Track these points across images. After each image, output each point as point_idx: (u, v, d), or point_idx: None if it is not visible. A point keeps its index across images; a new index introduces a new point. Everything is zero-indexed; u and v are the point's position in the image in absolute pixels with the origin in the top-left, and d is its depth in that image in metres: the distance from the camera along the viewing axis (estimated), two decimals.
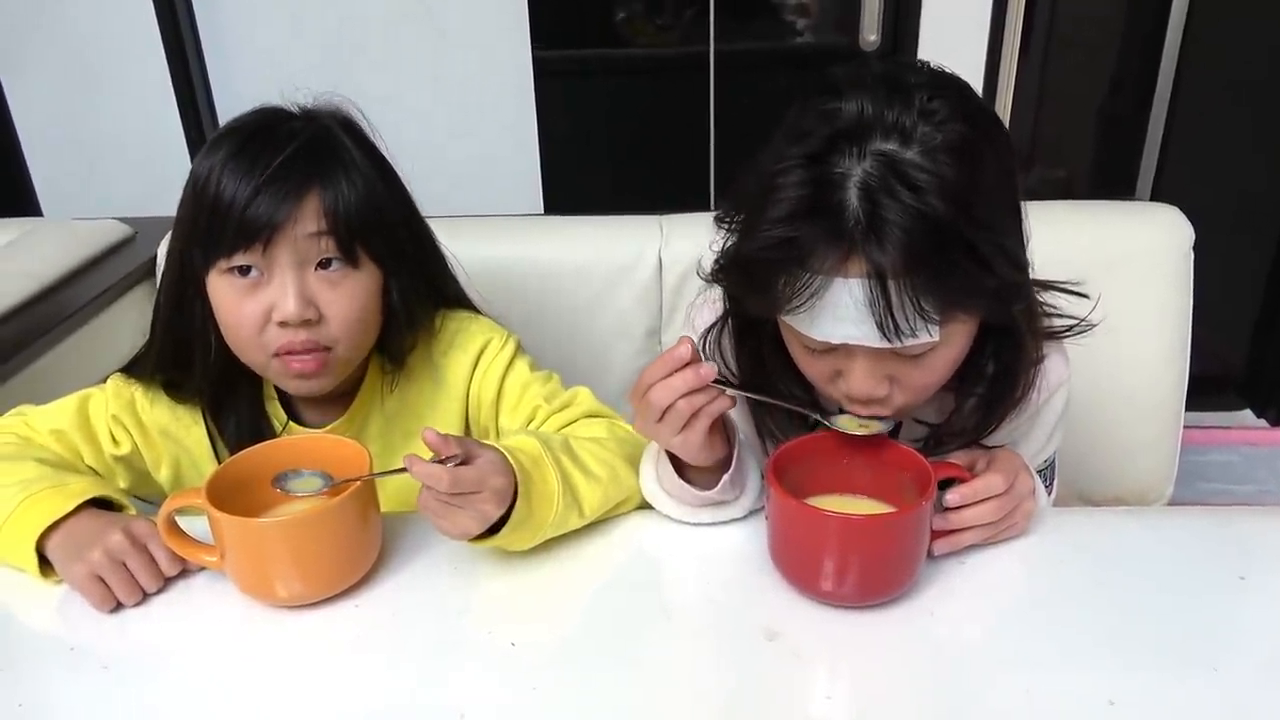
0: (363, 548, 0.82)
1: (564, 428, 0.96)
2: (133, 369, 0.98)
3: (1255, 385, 2.42)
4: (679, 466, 0.85)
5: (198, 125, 2.15)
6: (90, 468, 0.95)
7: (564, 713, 0.69)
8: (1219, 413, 2.40)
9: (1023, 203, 0.78)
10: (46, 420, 0.95)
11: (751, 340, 0.87)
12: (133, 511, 0.87)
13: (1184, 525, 0.89)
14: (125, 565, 0.79)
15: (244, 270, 0.87)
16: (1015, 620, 0.77)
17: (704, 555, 0.86)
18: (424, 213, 1.00)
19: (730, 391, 0.80)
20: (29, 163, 2.25)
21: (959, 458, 0.84)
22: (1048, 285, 0.84)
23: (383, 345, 0.97)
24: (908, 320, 0.70)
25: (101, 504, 0.85)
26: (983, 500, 0.79)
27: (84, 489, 0.84)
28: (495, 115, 2.17)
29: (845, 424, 0.81)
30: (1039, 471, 0.90)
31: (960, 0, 2.01)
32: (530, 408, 1.00)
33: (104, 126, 2.20)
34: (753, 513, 0.88)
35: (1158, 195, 2.22)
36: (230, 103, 2.15)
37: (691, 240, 1.29)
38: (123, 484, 0.98)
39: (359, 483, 0.79)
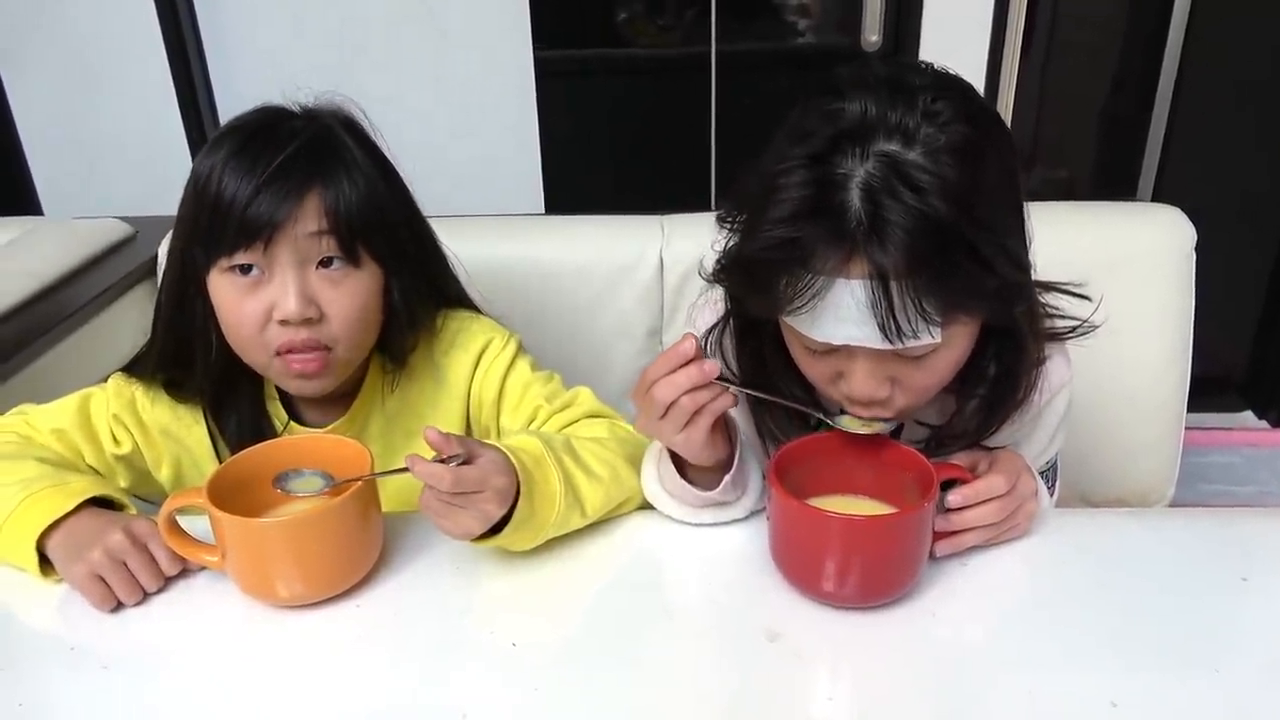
0: (364, 548, 0.82)
1: (565, 428, 0.96)
2: (134, 368, 0.98)
3: (1256, 386, 2.42)
4: (681, 467, 0.85)
5: (199, 125, 2.15)
6: (91, 467, 0.95)
7: (566, 713, 0.69)
8: (1220, 414, 2.40)
9: (1025, 204, 0.78)
10: (47, 419, 0.95)
11: (753, 341, 0.87)
12: (133, 511, 0.87)
13: (1186, 526, 0.89)
14: (125, 565, 0.79)
15: (245, 269, 0.87)
16: (1017, 621, 0.77)
17: (706, 556, 0.86)
18: (425, 212, 1.00)
19: (733, 389, 0.80)
20: (30, 162, 2.25)
21: (961, 459, 0.84)
22: (1050, 286, 0.84)
23: (384, 345, 0.97)
24: (909, 321, 0.70)
25: (102, 503, 0.85)
26: (985, 501, 0.79)
27: (84, 488, 0.84)
28: (496, 115, 2.17)
29: (847, 423, 0.81)
30: (1041, 473, 0.90)
31: (962, 0, 2.01)
32: (531, 408, 1.00)
33: (105, 126, 2.20)
34: (754, 513, 0.88)
35: (1159, 196, 2.22)
36: (231, 102, 2.15)
37: (693, 240, 1.29)
38: (123, 483, 0.98)
39: (360, 483, 0.79)
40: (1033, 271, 0.79)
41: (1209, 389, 2.11)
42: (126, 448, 0.97)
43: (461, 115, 2.17)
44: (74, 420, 0.95)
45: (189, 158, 2.15)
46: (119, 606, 0.80)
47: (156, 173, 2.05)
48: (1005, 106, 2.09)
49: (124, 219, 1.55)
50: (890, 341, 0.71)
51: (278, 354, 0.89)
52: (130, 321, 1.36)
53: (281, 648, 0.76)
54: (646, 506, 0.90)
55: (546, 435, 0.87)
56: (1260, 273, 2.34)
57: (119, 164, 2.21)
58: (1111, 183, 2.35)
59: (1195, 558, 0.83)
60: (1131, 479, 1.34)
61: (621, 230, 1.34)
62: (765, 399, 0.85)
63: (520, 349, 1.04)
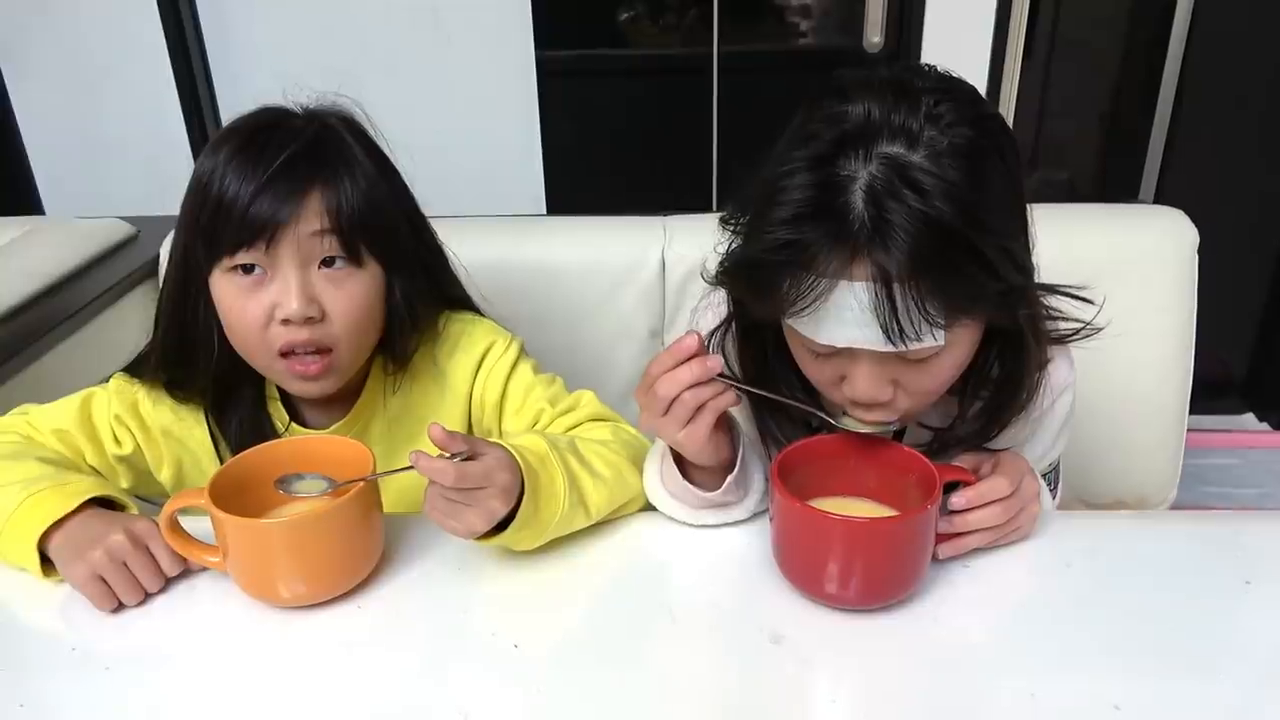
0: (366, 548, 0.82)
1: (569, 431, 0.96)
2: (135, 368, 0.98)
3: (1258, 388, 2.42)
4: (683, 467, 0.85)
5: (200, 125, 2.15)
6: (92, 467, 0.95)
7: (567, 714, 0.69)
8: (1221, 416, 2.40)
9: (1028, 206, 0.78)
10: (49, 419, 0.95)
11: (755, 343, 0.87)
12: (134, 510, 0.87)
13: (1189, 529, 0.89)
14: (126, 565, 0.79)
15: (247, 269, 0.87)
16: (1020, 624, 0.77)
17: (708, 557, 0.86)
18: (427, 213, 1.00)
19: (735, 387, 0.80)
20: (31, 161, 2.25)
21: (964, 461, 0.84)
22: (1053, 289, 0.84)
23: (386, 346, 0.97)
24: (913, 324, 0.70)
25: (104, 504, 0.85)
26: (988, 503, 0.79)
27: (86, 488, 0.84)
28: (498, 116, 2.18)
29: (850, 423, 0.81)
30: (1043, 475, 0.90)
31: (964, 2, 2.01)
32: (534, 411, 0.99)
33: (107, 125, 2.20)
34: (757, 515, 0.88)
35: (1160, 198, 2.22)
36: (233, 103, 2.14)
37: (695, 241, 1.28)
38: (125, 484, 0.98)
39: (362, 483, 0.79)
40: (1035, 274, 0.79)
41: (1210, 391, 2.11)
42: (128, 448, 0.97)
43: (463, 116, 2.17)
44: (75, 420, 0.95)
45: (191, 158, 2.16)
46: (120, 607, 0.80)
47: (158, 173, 2.05)
48: (1007, 108, 2.09)
49: (125, 219, 1.55)
50: (893, 344, 0.71)
51: (280, 355, 0.89)
52: (132, 322, 1.35)
53: (283, 648, 0.76)
54: (649, 508, 0.90)
55: (551, 435, 0.87)
56: (1261, 274, 2.34)
57: (121, 164, 2.21)
58: (1113, 185, 2.35)
59: (1198, 560, 0.83)
60: (1133, 481, 1.34)
61: (623, 231, 1.34)
62: (767, 399, 0.85)
63: (523, 352, 1.04)
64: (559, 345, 1.21)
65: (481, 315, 1.06)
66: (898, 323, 0.70)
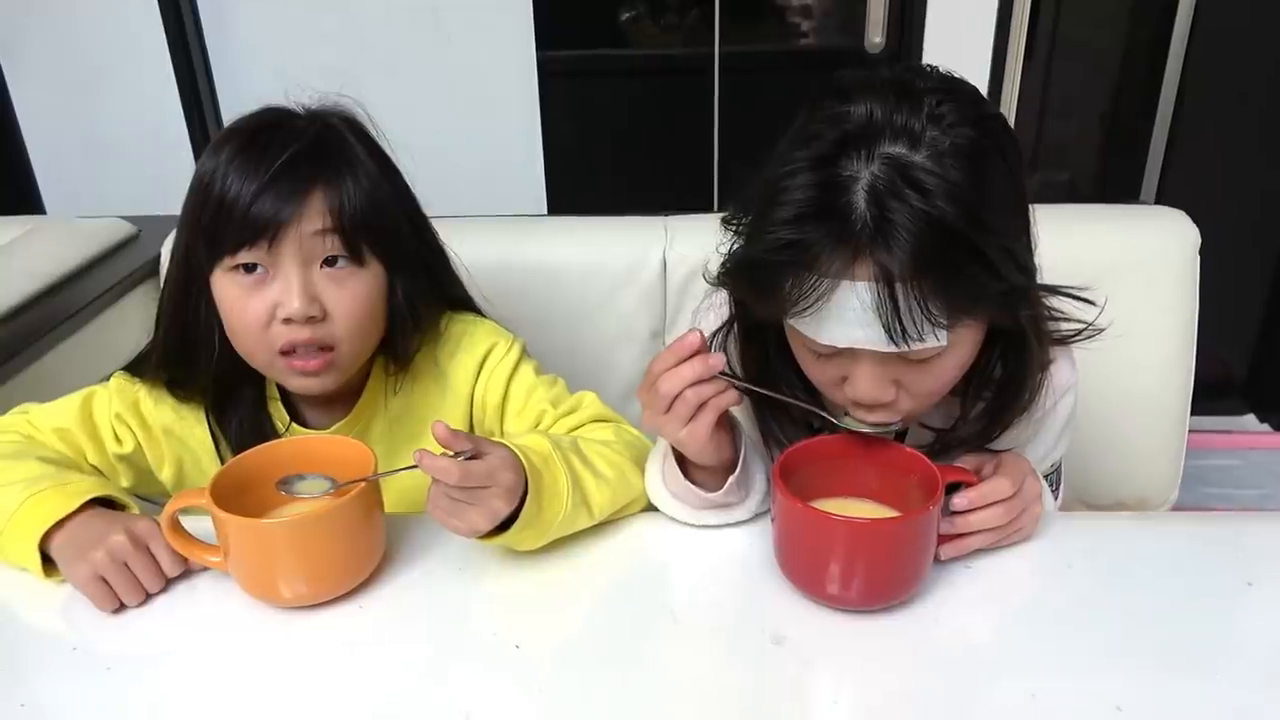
0: (367, 549, 0.82)
1: (571, 432, 0.96)
2: (136, 367, 0.98)
3: (1259, 389, 2.42)
4: (685, 467, 0.85)
5: (202, 125, 2.15)
6: (94, 466, 0.95)
7: (569, 715, 0.69)
8: (1222, 417, 2.39)
9: (1030, 207, 0.78)
10: (50, 418, 0.95)
11: (758, 344, 0.87)
12: (135, 510, 0.87)
13: (1191, 530, 0.89)
14: (128, 566, 0.79)
15: (249, 268, 0.87)
16: (1021, 625, 0.77)
17: (710, 558, 0.86)
18: (428, 213, 1.00)
19: (737, 386, 0.80)
20: (32, 160, 2.25)
21: (966, 462, 0.84)
22: (1055, 290, 0.84)
23: (387, 346, 0.97)
24: (915, 324, 0.70)
25: (105, 503, 0.85)
26: (990, 504, 0.79)
27: (87, 488, 0.84)
28: (499, 116, 2.17)
29: (852, 422, 0.81)
30: (1045, 476, 0.90)
31: (965, 2, 2.01)
32: (536, 412, 0.99)
33: (108, 125, 2.20)
34: (759, 516, 0.88)
35: (1162, 199, 2.21)
36: (234, 103, 2.15)
37: (696, 242, 1.28)
38: (125, 483, 0.98)
39: (364, 483, 0.79)
40: (1037, 274, 0.79)
41: (1211, 392, 2.11)
42: (129, 447, 0.97)
43: (464, 116, 2.17)
44: (76, 419, 0.95)
45: (192, 157, 2.15)
46: (121, 607, 0.80)
47: (159, 172, 2.04)
48: (1008, 108, 2.09)
49: (127, 218, 1.55)
50: (895, 344, 0.71)
51: (280, 353, 0.89)
52: (133, 321, 1.35)
53: (284, 649, 0.76)
54: (651, 508, 0.90)
55: (554, 435, 0.87)
56: (1262, 275, 2.34)
57: (122, 163, 2.21)
58: (1114, 185, 2.35)
59: (1200, 562, 0.83)
60: (1134, 483, 1.33)
61: (624, 231, 1.34)
62: (769, 398, 0.85)
63: (524, 353, 1.04)
64: (560, 346, 1.21)
65: (483, 316, 1.06)
66: (900, 323, 0.70)
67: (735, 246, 0.80)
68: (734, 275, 0.80)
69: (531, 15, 2.08)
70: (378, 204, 0.90)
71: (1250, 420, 2.41)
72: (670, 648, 0.75)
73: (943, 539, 0.79)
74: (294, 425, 0.99)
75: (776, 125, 0.78)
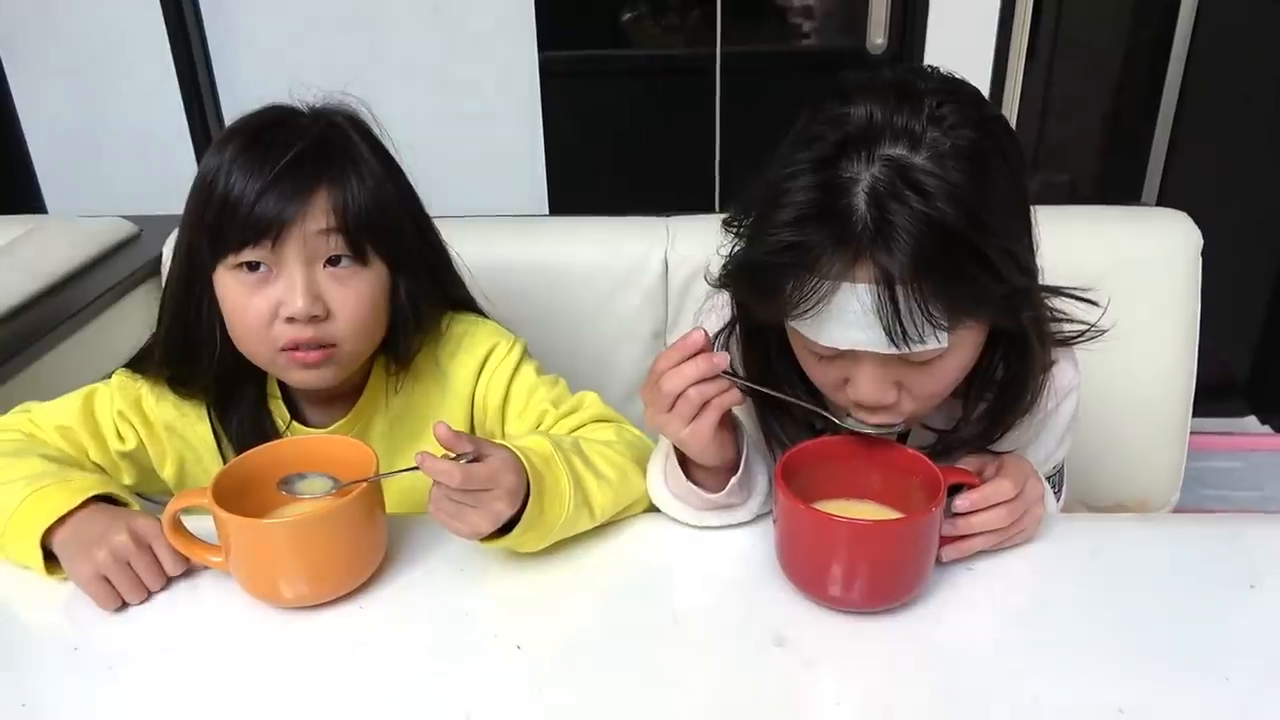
0: (368, 549, 0.82)
1: (572, 432, 0.96)
2: (138, 364, 0.98)
3: (1260, 391, 2.41)
4: (687, 468, 0.85)
5: (203, 124, 2.15)
6: (96, 464, 0.95)
7: (569, 715, 0.69)
8: (1224, 419, 2.39)
9: (1032, 208, 0.78)
10: (51, 417, 0.95)
11: (759, 346, 0.87)
12: (136, 507, 0.87)
13: (1194, 532, 0.88)
14: (130, 565, 0.79)
15: (253, 266, 0.87)
16: (1024, 627, 0.77)
17: (711, 559, 0.86)
18: (429, 213, 1.00)
19: (740, 385, 0.79)
20: (34, 160, 2.25)
21: (968, 463, 0.84)
22: (1057, 291, 0.84)
23: (388, 346, 0.97)
24: (916, 326, 0.70)
25: (106, 500, 0.85)
26: (992, 506, 0.79)
27: (89, 485, 0.84)
28: (501, 116, 2.17)
29: (854, 423, 0.80)
30: (1048, 478, 0.89)
31: (967, 3, 2.01)
32: (537, 412, 0.99)
33: (109, 124, 2.20)
34: (760, 517, 0.88)
35: (1163, 200, 2.21)
36: (235, 102, 2.15)
37: (698, 242, 1.28)
38: (128, 480, 0.98)
39: (365, 484, 0.79)
40: (1039, 276, 0.79)
41: (1212, 393, 2.11)
42: (131, 444, 0.97)
43: (466, 116, 2.17)
44: (78, 417, 0.95)
45: (193, 157, 2.16)
46: (124, 605, 0.80)
47: (161, 172, 2.04)
48: (1010, 109, 2.09)
49: (128, 218, 1.55)
50: (896, 346, 0.71)
51: (282, 350, 0.89)
52: (134, 320, 1.35)
53: (285, 649, 0.76)
54: (653, 509, 0.90)
55: (555, 436, 0.87)
56: (1264, 277, 2.34)
57: (123, 162, 2.21)
58: (1116, 187, 2.35)
59: (1202, 564, 0.83)
60: (1136, 484, 1.33)
61: (626, 232, 1.34)
62: (771, 400, 0.85)
63: (525, 354, 1.04)
64: (561, 346, 1.21)
65: (485, 317, 1.06)
66: (900, 325, 0.70)
67: (736, 248, 0.80)
68: (735, 277, 0.80)
69: (533, 15, 2.08)
70: (382, 203, 0.90)
71: (1252, 422, 2.40)
72: (672, 649, 0.75)
73: (945, 540, 0.79)
74: (294, 424, 0.99)
75: (778, 126, 0.78)
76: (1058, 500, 0.95)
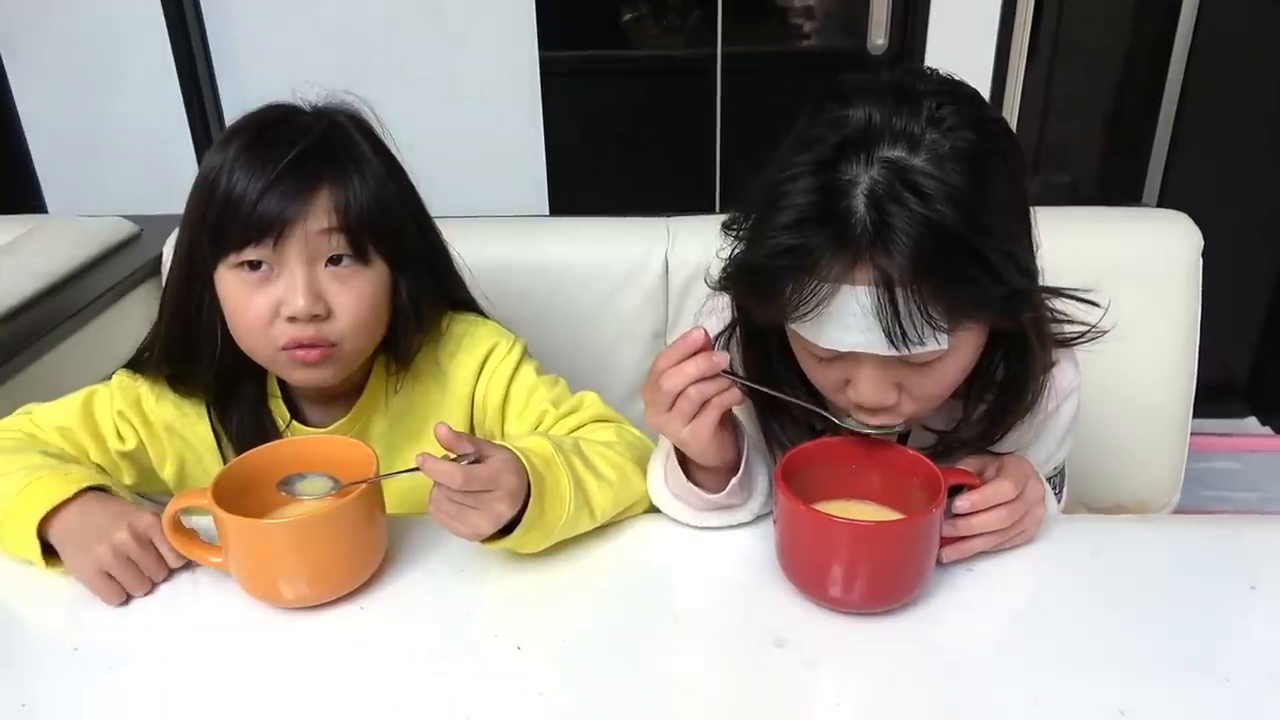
0: (368, 549, 0.82)
1: (572, 432, 0.96)
2: (137, 361, 0.98)
3: (1260, 392, 2.41)
4: (687, 469, 0.85)
5: (203, 124, 2.15)
6: (96, 465, 0.95)
7: (570, 716, 0.69)
8: (1224, 419, 2.39)
9: (1032, 210, 0.78)
10: (52, 418, 0.95)
11: (759, 348, 0.87)
12: (129, 499, 0.87)
13: (1195, 534, 0.88)
14: (132, 560, 0.80)
15: (254, 265, 0.87)
16: (1024, 628, 0.77)
17: (712, 560, 0.86)
18: (430, 213, 1.00)
19: (741, 385, 0.79)
20: (34, 159, 2.25)
21: (969, 464, 0.84)
22: (1058, 292, 0.84)
23: (389, 346, 0.97)
24: (916, 328, 0.70)
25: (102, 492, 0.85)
26: (992, 507, 0.79)
27: (85, 476, 0.85)
28: (501, 116, 2.17)
29: (855, 423, 0.80)
30: (1049, 479, 0.89)
31: (968, 4, 2.01)
32: (537, 412, 0.99)
33: (109, 124, 2.20)
34: (761, 518, 0.88)
35: (1164, 201, 2.21)
36: (236, 102, 2.15)
37: (698, 242, 1.28)
38: (128, 480, 0.98)
39: (365, 484, 0.79)
40: (1040, 276, 0.79)
41: (1213, 394, 2.10)
42: (131, 444, 0.97)
43: (466, 116, 2.17)
44: (78, 418, 0.95)
45: (194, 156, 2.16)
46: (128, 599, 0.80)
47: (161, 171, 2.05)
48: (1011, 110, 2.09)
49: (128, 217, 1.55)
50: (896, 348, 0.71)
51: (282, 349, 0.89)
52: (134, 320, 1.35)
53: (285, 649, 0.76)
54: (653, 510, 0.90)
55: (556, 437, 0.87)
56: (1265, 278, 2.34)
57: (123, 162, 2.21)
58: (1116, 187, 2.35)
59: (1202, 565, 0.83)
60: (1135, 485, 1.33)
61: (626, 232, 1.34)
62: (771, 401, 0.85)
63: (525, 354, 1.04)
64: (562, 347, 1.21)
65: (485, 317, 1.06)
66: (900, 327, 0.70)
67: (736, 251, 0.80)
68: (735, 280, 0.80)
69: (534, 16, 2.08)
70: (384, 203, 0.90)
71: (1252, 423, 2.40)
72: (672, 650, 0.75)
73: (945, 541, 0.79)
74: (294, 423, 0.99)
75: (778, 126, 0.77)
76: (1059, 502, 0.95)
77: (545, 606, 0.81)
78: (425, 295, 0.96)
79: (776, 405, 0.87)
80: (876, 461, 0.82)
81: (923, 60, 2.04)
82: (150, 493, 1.02)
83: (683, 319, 1.31)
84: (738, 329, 0.89)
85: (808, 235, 0.70)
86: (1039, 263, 0.79)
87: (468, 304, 1.06)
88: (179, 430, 0.98)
